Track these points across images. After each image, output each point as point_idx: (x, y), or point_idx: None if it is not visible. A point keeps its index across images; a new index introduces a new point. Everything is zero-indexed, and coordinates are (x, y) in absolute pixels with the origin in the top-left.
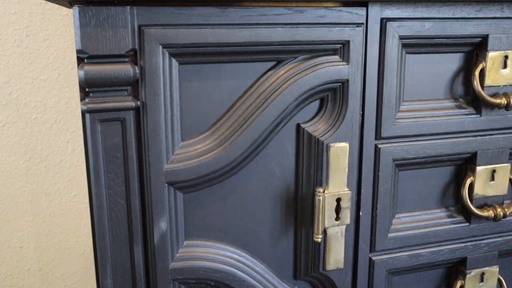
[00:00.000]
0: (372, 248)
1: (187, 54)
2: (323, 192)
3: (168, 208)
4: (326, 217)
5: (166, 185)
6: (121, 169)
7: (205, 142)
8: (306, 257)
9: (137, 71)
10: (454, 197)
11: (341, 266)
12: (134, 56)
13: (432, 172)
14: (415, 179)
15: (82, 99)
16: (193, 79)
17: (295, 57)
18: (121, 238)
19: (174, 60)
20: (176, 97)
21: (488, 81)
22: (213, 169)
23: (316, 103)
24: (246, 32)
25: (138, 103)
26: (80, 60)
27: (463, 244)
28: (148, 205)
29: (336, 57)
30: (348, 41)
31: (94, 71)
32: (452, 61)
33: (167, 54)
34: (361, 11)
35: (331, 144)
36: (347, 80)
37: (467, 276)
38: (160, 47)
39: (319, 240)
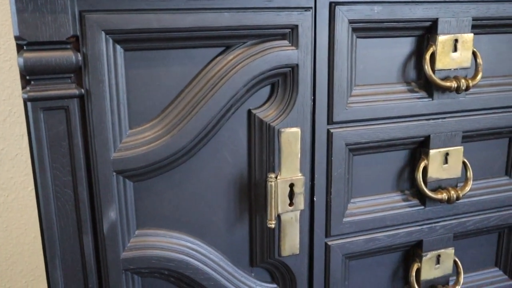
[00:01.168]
0: (327, 233)
1: (132, 40)
2: (276, 178)
3: (117, 197)
4: (279, 203)
5: (115, 173)
6: (67, 158)
7: (153, 129)
8: (261, 243)
9: (80, 58)
10: (409, 181)
11: (297, 251)
12: (76, 43)
13: (387, 156)
14: (369, 164)
15: (23, 87)
16: (140, 66)
17: (244, 42)
18: (70, 229)
19: (118, 47)
20: (122, 84)
21: (439, 65)
22: (162, 156)
23: (267, 89)
24: (192, 17)
25: (82, 90)
26: (19, 47)
27: (419, 227)
28: (96, 195)
29: (285, 42)
30: (297, 26)
31: (34, 58)
32: (404, 45)
33: (110, 41)
34: None
35: (282, 130)
36: (297, 65)
37: (423, 258)
38: (103, 33)
39: (273, 226)
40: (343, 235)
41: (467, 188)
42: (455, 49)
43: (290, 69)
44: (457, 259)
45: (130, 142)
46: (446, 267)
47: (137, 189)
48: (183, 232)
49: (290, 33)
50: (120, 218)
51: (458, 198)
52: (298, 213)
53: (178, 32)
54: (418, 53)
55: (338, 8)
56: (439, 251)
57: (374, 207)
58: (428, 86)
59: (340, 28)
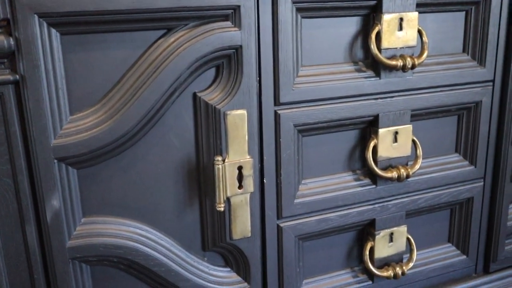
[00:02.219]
0: (279, 215)
1: (68, 24)
2: (223, 161)
3: (60, 185)
4: (228, 186)
5: (56, 161)
6: (4, 146)
7: (95, 115)
8: (212, 227)
9: (13, 42)
10: (360, 161)
11: (248, 234)
12: (7, 27)
13: (337, 136)
14: (320, 144)
15: None
16: (79, 50)
17: (185, 24)
18: (11, 218)
19: (53, 30)
20: (60, 69)
21: (385, 44)
22: (105, 142)
23: (212, 71)
24: None
25: (17, 76)
26: None
27: (371, 206)
28: (37, 183)
29: (228, 23)
30: (239, 6)
31: None
32: (350, 25)
33: (44, 24)
34: None
35: (228, 112)
36: (241, 46)
37: (377, 237)
38: (36, 16)
39: (222, 209)
40: (295, 217)
41: (417, 166)
42: (400, 28)
43: (234, 50)
44: (410, 237)
45: (72, 129)
46: (399, 244)
47: (81, 176)
48: (131, 219)
49: (233, 14)
50: (64, 206)
51: (408, 176)
52: (248, 195)
53: (115, 14)
54: (364, 33)
55: None
56: (391, 229)
57: (325, 187)
58: (375, 66)
59: (283, 8)
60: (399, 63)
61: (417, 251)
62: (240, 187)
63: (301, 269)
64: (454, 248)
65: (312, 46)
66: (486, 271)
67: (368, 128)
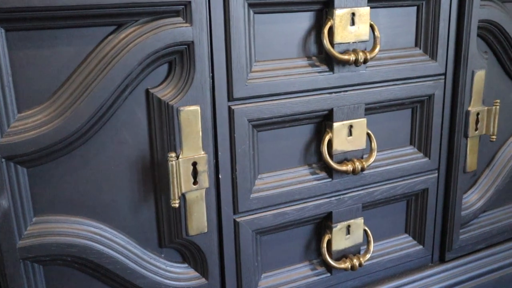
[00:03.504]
0: (235, 210)
1: (13, 20)
2: (177, 157)
3: (9, 185)
4: (182, 182)
5: (4, 160)
6: None
7: (44, 112)
8: (168, 224)
9: None
10: (316, 155)
11: (205, 230)
12: None
13: (292, 131)
14: (275, 139)
15: None
16: (26, 47)
17: (136, 20)
18: None
19: None
20: (6, 66)
21: (337, 39)
22: (55, 140)
23: (165, 67)
24: None
25: None
26: None
27: (327, 199)
28: None
29: (179, 19)
30: (190, 2)
31: None
32: (303, 20)
33: None
34: None
35: (181, 108)
36: (192, 42)
37: (334, 229)
38: None
39: (177, 205)
40: (251, 211)
41: (372, 159)
42: (352, 23)
43: (185, 46)
44: (367, 228)
45: (20, 127)
46: (356, 236)
47: (32, 175)
48: (85, 217)
49: (184, 10)
50: (14, 206)
51: (363, 169)
52: (203, 191)
53: (63, 10)
54: (317, 28)
55: None
56: (348, 221)
57: (281, 182)
58: (328, 60)
59: (235, 3)
60: (352, 57)
61: (374, 242)
62: (195, 183)
63: (259, 263)
64: (410, 238)
65: (265, 42)
66: (442, 260)
67: (323, 122)
